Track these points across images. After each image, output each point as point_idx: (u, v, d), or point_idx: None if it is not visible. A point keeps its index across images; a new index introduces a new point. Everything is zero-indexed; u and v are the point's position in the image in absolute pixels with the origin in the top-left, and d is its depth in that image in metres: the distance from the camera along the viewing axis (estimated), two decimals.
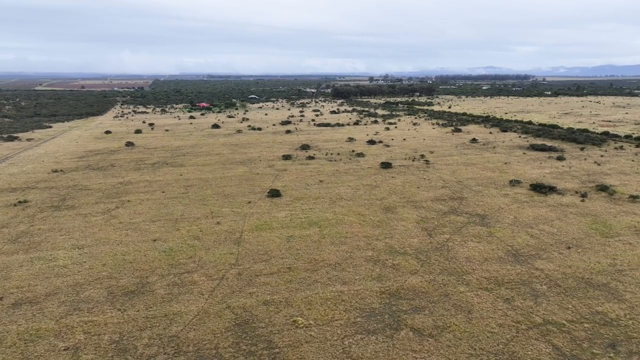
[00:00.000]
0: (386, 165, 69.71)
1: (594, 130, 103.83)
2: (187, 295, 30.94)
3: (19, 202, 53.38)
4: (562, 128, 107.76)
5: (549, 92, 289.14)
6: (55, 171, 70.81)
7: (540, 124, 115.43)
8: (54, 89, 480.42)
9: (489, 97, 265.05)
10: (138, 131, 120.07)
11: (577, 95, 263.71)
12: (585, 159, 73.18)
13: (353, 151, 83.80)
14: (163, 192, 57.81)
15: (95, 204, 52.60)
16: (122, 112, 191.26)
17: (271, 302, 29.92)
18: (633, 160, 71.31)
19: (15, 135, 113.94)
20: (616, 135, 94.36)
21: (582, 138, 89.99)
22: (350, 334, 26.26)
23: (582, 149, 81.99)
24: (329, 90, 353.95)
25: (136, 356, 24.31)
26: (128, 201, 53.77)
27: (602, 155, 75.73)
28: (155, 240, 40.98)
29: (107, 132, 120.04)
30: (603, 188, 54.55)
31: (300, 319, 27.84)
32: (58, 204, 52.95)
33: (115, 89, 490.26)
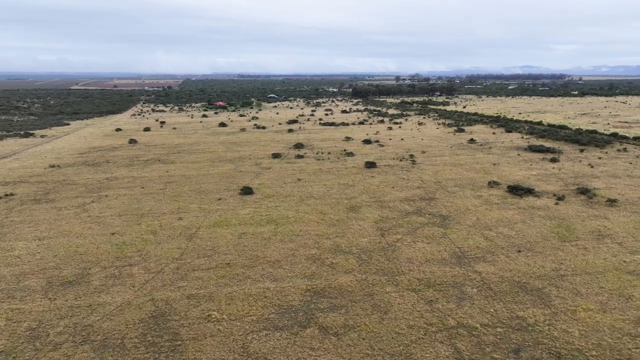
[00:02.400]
0: (370, 164, 69.30)
1: (604, 131, 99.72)
2: (119, 287, 31.89)
3: (5, 195, 56.02)
4: (570, 129, 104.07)
5: (576, 92, 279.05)
6: (52, 166, 73.84)
7: (549, 125, 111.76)
8: (87, 88, 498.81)
9: (510, 97, 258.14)
10: (147, 129, 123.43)
11: (606, 95, 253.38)
12: (580, 161, 70.56)
13: (345, 150, 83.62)
14: (142, 187, 59.44)
15: (74, 198, 54.65)
16: (141, 110, 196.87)
17: (195, 296, 30.50)
18: (631, 163, 68.29)
19: (31, 132, 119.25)
20: (625, 137, 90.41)
21: (586, 139, 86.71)
22: (257, 329, 26.52)
23: (581, 150, 79.05)
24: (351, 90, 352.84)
25: (45, 343, 25.35)
26: (106, 196, 55.59)
27: (600, 158, 72.82)
28: (113, 233, 42.29)
29: (118, 129, 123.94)
30: (584, 191, 52.59)
31: (216, 313, 28.30)
32: (40, 197, 55.28)
33: (146, 88, 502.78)
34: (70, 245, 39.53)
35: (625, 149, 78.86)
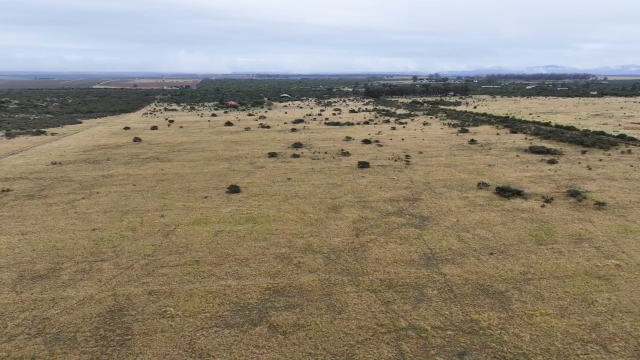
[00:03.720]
0: (363, 164, 69.06)
1: (613, 132, 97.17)
2: (86, 281, 32.59)
3: (2, 190, 57.69)
4: (578, 130, 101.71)
5: (595, 92, 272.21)
6: (54, 163, 75.74)
7: (556, 126, 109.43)
8: (106, 87, 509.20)
9: (525, 97, 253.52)
10: (154, 127, 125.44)
11: (627, 96, 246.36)
12: (579, 163, 68.93)
13: (342, 150, 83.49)
14: (134, 185, 60.48)
15: (66, 195, 55.97)
16: (154, 109, 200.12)
17: (156, 292, 30.97)
18: (631, 166, 66.36)
19: (43, 129, 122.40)
20: (632, 139, 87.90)
21: (590, 141, 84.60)
22: (207, 326, 26.78)
23: (583, 152, 77.18)
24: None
25: (0, 334, 26.11)
26: (97, 192, 56.78)
27: (600, 159, 70.99)
28: (94, 229, 43.20)
29: (126, 128, 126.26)
30: (574, 193, 51.42)
31: (172, 309, 28.69)
32: (34, 193, 56.77)
33: (165, 87, 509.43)
34: (50, 240, 40.54)
35: (629, 151, 76.71)
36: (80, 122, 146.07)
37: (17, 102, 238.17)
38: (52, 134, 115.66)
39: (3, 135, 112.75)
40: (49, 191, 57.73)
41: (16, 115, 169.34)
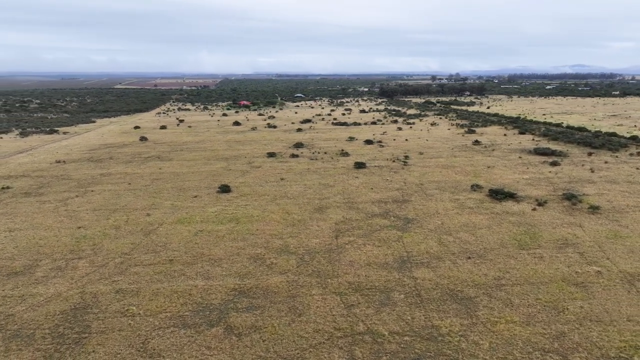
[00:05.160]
0: (360, 165, 68.42)
1: (627, 133, 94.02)
2: (59, 279, 33.01)
3: (2, 188, 59.17)
4: (589, 131, 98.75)
5: (617, 92, 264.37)
6: (58, 162, 77.39)
7: (567, 127, 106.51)
8: (127, 87, 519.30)
9: (543, 98, 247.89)
10: (163, 127, 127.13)
11: None
12: (582, 165, 66.82)
13: (342, 150, 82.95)
14: (129, 184, 61.23)
15: (61, 193, 57.02)
16: (168, 109, 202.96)
17: (123, 290, 31.14)
18: (637, 168, 63.93)
19: (56, 129, 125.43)
20: None
21: (599, 142, 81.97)
22: (165, 326, 26.76)
23: (590, 154, 74.84)
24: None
25: None
26: (92, 191, 57.67)
27: (606, 162, 68.65)
28: (79, 227, 43.83)
29: (136, 127, 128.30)
30: (569, 197, 49.80)
31: (134, 308, 28.79)
32: (32, 191, 58.02)
33: (184, 87, 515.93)
34: (34, 237, 41.28)
35: (639, 153, 73.98)
36: (94, 122, 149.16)
37: (38, 101, 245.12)
38: (64, 133, 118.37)
39: (17, 134, 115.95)
40: (46, 189, 58.92)
41: (35, 115, 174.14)
